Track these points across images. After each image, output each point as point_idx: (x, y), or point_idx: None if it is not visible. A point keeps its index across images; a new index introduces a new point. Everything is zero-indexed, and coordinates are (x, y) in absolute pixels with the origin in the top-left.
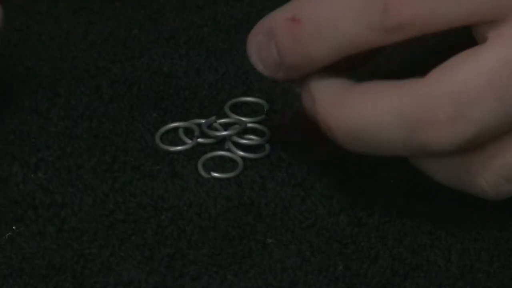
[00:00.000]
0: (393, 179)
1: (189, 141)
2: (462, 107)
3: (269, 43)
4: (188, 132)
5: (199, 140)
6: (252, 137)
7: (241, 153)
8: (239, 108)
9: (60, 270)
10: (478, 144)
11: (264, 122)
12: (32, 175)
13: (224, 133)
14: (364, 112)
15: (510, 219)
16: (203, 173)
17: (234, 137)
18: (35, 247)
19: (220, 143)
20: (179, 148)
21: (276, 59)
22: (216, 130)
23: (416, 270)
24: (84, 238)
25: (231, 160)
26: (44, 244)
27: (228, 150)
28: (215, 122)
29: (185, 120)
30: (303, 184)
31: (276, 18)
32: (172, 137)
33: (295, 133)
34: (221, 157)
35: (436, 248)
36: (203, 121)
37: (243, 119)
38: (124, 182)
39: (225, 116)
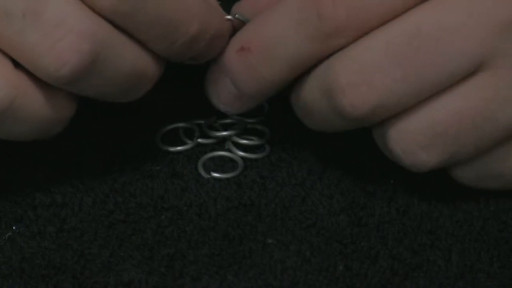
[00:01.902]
0: (393, 179)
1: (190, 141)
2: (364, 74)
3: (224, 80)
4: (188, 132)
5: (199, 140)
6: (252, 137)
7: (241, 153)
8: None
9: (60, 270)
10: (390, 110)
11: (264, 122)
12: (32, 175)
13: (224, 133)
14: (300, 81)
15: (510, 219)
16: (203, 173)
17: (234, 137)
18: (35, 247)
19: (220, 143)
20: (179, 148)
21: (235, 93)
22: (217, 130)
23: (416, 270)
24: (84, 238)
25: (231, 160)
26: (44, 244)
27: (228, 150)
28: (216, 122)
29: (185, 120)
30: (303, 184)
31: (227, 54)
32: (172, 137)
33: (295, 133)
34: (221, 157)
35: (436, 248)
36: (203, 121)
37: (243, 119)
38: (124, 182)
39: (225, 116)
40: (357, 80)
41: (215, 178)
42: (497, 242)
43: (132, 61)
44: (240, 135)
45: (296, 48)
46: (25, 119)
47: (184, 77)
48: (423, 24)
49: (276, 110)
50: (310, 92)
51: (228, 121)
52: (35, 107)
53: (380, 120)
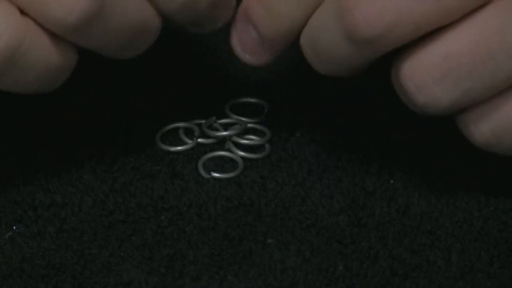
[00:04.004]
0: (393, 179)
1: (189, 141)
2: None
3: (247, 26)
4: (188, 132)
5: (199, 140)
6: (252, 137)
7: (241, 153)
8: (239, 108)
9: (60, 270)
10: (405, 33)
11: (264, 122)
12: (32, 175)
13: (224, 133)
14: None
15: (510, 219)
16: (203, 173)
17: (234, 137)
18: (35, 247)
19: (220, 143)
20: (179, 148)
21: (257, 39)
22: (216, 130)
23: (416, 271)
24: (84, 238)
25: (231, 160)
26: (44, 244)
27: (229, 150)
28: (215, 122)
29: (185, 120)
30: (303, 184)
31: (247, 0)
32: (172, 137)
33: (295, 133)
34: (221, 157)
35: (436, 248)
36: (203, 121)
37: (243, 119)
38: (124, 182)
39: (225, 116)
40: None
41: (215, 178)
42: (497, 242)
43: (136, 11)
44: (240, 135)
45: None
46: (31, 65)
47: (184, 77)
48: None
49: (276, 110)
50: (320, 17)
51: (228, 121)
52: (41, 53)
53: (392, 47)
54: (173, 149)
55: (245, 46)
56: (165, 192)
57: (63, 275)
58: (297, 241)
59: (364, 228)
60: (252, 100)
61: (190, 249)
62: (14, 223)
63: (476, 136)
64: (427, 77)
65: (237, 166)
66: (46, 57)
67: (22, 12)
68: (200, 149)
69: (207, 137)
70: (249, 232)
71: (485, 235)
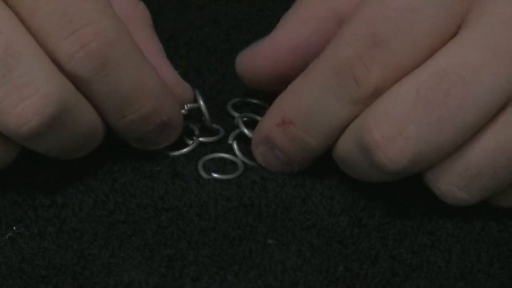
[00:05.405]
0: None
1: (190, 142)
2: (398, 125)
3: (272, 151)
4: (189, 132)
5: (201, 139)
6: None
7: (242, 157)
8: (239, 109)
9: (60, 270)
10: (430, 158)
11: None
12: (33, 176)
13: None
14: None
15: (510, 220)
16: (203, 174)
17: (240, 124)
18: (35, 248)
19: (221, 143)
20: (180, 151)
21: (285, 160)
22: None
23: (416, 271)
24: (84, 238)
25: (231, 161)
26: (44, 244)
27: (230, 147)
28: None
29: (185, 120)
30: (304, 184)
31: (268, 126)
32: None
33: None
34: (222, 158)
35: (437, 249)
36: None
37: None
38: (124, 182)
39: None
40: (391, 133)
41: (215, 179)
42: (497, 243)
43: (88, 122)
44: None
45: (338, 113)
46: None
47: (184, 77)
48: (449, 67)
49: None
50: (347, 148)
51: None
52: None
53: (420, 170)
54: (173, 153)
55: (272, 166)
56: (165, 193)
57: (63, 276)
58: (297, 241)
59: (364, 229)
60: (253, 101)
61: (190, 249)
62: (14, 223)
63: (503, 206)
64: (452, 185)
65: (237, 167)
66: None
67: None
68: (201, 150)
69: (208, 132)
70: (249, 233)
71: (485, 236)
